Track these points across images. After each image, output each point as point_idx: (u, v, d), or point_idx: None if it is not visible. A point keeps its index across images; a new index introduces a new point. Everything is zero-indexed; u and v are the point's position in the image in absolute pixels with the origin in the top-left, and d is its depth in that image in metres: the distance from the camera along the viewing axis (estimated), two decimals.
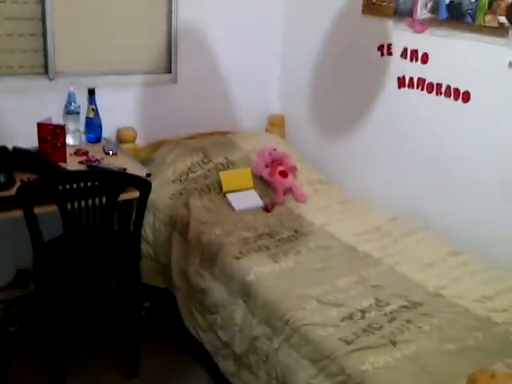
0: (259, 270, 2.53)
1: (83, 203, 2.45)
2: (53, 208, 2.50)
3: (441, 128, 2.95)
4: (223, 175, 3.26)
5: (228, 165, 3.39)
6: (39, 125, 2.90)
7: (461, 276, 2.58)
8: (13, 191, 2.54)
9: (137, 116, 3.49)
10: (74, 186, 2.41)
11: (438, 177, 3.00)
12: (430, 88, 2.95)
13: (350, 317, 2.22)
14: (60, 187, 2.39)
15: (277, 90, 4.04)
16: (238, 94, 3.85)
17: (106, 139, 3.29)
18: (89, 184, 2.45)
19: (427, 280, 2.52)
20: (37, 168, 2.72)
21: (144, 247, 3.08)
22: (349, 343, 2.06)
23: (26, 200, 2.32)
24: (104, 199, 2.53)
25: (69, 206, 2.41)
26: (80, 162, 2.95)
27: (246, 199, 3.20)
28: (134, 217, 2.72)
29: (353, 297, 2.36)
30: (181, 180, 3.29)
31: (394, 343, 2.06)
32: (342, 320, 2.20)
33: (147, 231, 3.12)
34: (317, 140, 3.77)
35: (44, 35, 3.10)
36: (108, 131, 3.35)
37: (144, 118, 3.52)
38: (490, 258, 2.73)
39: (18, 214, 2.49)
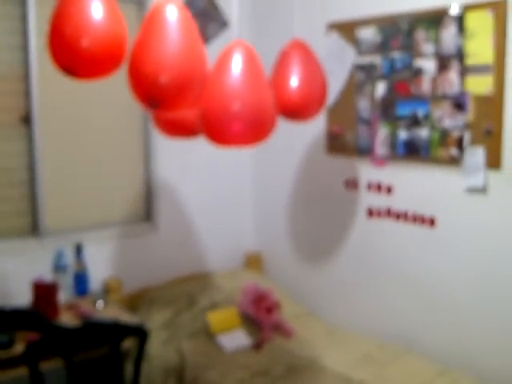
0: None
1: (88, 356, 2.54)
2: (55, 363, 2.59)
3: (412, 253, 3.16)
4: (210, 317, 3.36)
5: (214, 306, 3.49)
6: (34, 284, 3.02)
7: None
8: (14, 351, 2.66)
9: (121, 265, 3.64)
10: (80, 339, 2.51)
11: (416, 299, 3.17)
12: (398, 216, 3.21)
13: None
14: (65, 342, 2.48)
15: (252, 228, 4.27)
16: (214, 235, 4.07)
17: (93, 291, 3.42)
18: (91, 337, 2.54)
19: None
20: (35, 326, 2.80)
21: None
22: None
23: (34, 358, 2.39)
24: (106, 350, 2.62)
25: (74, 359, 2.48)
26: (73, 316, 3.06)
27: (235, 338, 3.28)
28: (126, 366, 2.81)
29: None
30: (169, 326, 3.38)
31: None
32: None
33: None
34: (295, 273, 3.94)
35: (33, 198, 3.31)
36: (95, 283, 3.48)
37: (128, 267, 3.66)
38: (476, 371, 2.85)
39: (20, 372, 2.57)
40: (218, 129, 2.18)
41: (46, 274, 3.25)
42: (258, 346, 3.23)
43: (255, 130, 2.22)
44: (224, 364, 3.03)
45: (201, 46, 2.10)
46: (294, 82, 2.60)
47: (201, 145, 2.46)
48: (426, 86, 3.00)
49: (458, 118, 2.88)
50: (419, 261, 3.14)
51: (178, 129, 2.54)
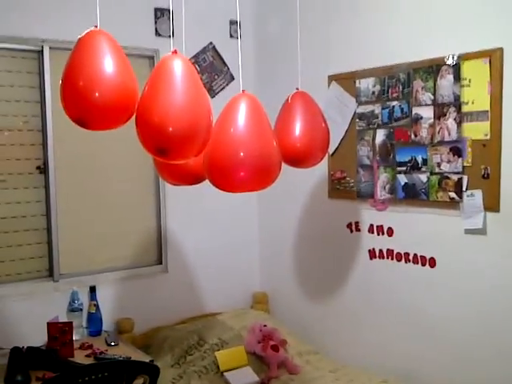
0: None
1: None
2: None
3: (414, 292, 3.24)
4: (219, 355, 3.45)
5: (222, 344, 3.58)
6: (49, 324, 3.14)
7: None
8: None
9: (133, 306, 3.75)
10: (92, 377, 2.60)
11: (418, 336, 3.23)
12: (399, 257, 3.31)
13: None
14: (79, 380, 2.58)
15: (258, 270, 4.39)
16: (223, 277, 4.19)
17: (106, 331, 3.53)
18: (105, 375, 2.64)
19: None
20: (50, 365, 2.92)
21: None
22: None
23: None
24: None
25: None
26: (87, 356, 3.16)
27: (243, 376, 3.36)
28: None
29: None
30: (179, 364, 3.47)
31: None
32: None
33: None
34: (301, 312, 4.03)
35: (49, 243, 3.47)
36: (108, 323, 3.60)
37: (139, 307, 3.77)
38: None
39: None
40: (224, 176, 2.26)
41: (61, 315, 3.37)
42: (265, 383, 3.31)
43: (260, 177, 2.29)
44: None
45: (205, 97, 2.17)
46: (297, 130, 2.72)
47: (209, 192, 2.58)
48: (424, 132, 3.11)
49: (456, 162, 2.97)
50: (420, 299, 3.21)
51: (181, 177, 2.62)
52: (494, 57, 2.79)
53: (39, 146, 3.42)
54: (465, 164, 2.95)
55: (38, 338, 3.21)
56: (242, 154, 2.22)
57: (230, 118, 2.27)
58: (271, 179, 2.35)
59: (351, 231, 3.60)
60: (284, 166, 2.69)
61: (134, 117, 2.14)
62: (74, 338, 3.28)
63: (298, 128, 2.73)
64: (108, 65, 2.06)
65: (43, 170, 3.43)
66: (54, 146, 3.43)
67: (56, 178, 3.45)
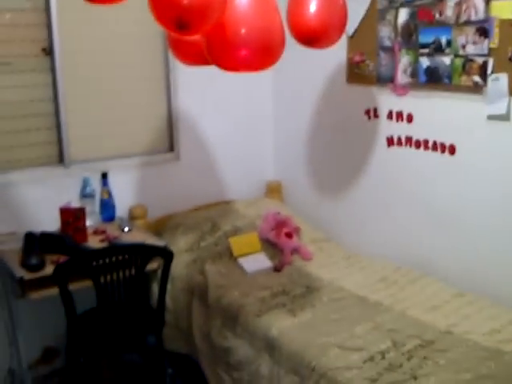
0: (280, 324, 2.70)
1: (115, 276, 2.66)
2: (84, 284, 2.72)
3: (432, 180, 3.18)
4: (233, 241, 3.46)
5: (236, 231, 3.59)
6: (62, 209, 3.13)
7: (467, 314, 2.75)
8: (44, 272, 2.79)
9: (146, 193, 3.73)
10: (106, 261, 2.62)
11: (435, 225, 3.20)
12: (418, 144, 3.21)
13: (371, 359, 2.39)
14: (94, 263, 2.60)
15: (272, 158, 4.32)
16: (236, 165, 4.13)
17: (119, 218, 3.53)
18: (119, 258, 2.66)
19: (437, 320, 2.69)
20: (64, 249, 2.94)
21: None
22: (374, 381, 2.23)
23: (63, 278, 2.52)
24: (133, 271, 2.74)
25: (102, 279, 2.61)
26: (101, 241, 3.18)
27: (257, 262, 3.39)
28: (153, 287, 2.93)
29: (371, 341, 2.53)
30: (193, 249, 3.50)
31: (415, 378, 2.24)
32: (364, 362, 2.37)
33: (166, 299, 3.28)
34: (314, 201, 4.00)
35: (58, 128, 3.39)
36: (121, 209, 3.59)
37: (152, 194, 3.75)
38: (491, 295, 2.90)
39: (50, 292, 2.71)
40: (225, 54, 2.14)
41: (74, 202, 3.35)
42: (278, 268, 3.33)
43: (263, 55, 2.17)
44: (246, 285, 3.13)
45: None
46: (311, 6, 2.50)
47: (222, 75, 2.45)
48: (449, 12, 2.93)
49: (482, 44, 2.82)
50: (438, 188, 3.15)
51: (196, 56, 2.46)
52: None
53: (44, 26, 3.26)
54: (491, 46, 2.79)
55: (51, 223, 3.21)
56: (243, 30, 2.09)
57: None
58: (275, 58, 2.23)
59: (369, 118, 3.48)
60: (299, 48, 2.57)
61: None
62: (87, 224, 3.28)
63: (312, 4, 2.51)
64: None
65: (49, 52, 3.29)
66: (60, 27, 3.27)
67: (63, 61, 3.32)
